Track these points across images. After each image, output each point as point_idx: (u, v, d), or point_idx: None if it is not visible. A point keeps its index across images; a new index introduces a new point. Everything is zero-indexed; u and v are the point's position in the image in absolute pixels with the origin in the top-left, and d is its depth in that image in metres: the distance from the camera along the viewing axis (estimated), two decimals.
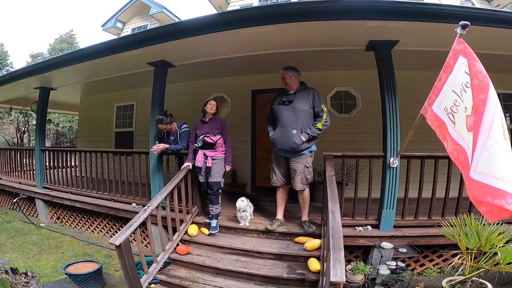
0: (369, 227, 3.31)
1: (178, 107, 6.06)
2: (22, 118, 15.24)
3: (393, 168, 3.23)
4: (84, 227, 5.30)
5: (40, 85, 5.90)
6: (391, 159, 3.21)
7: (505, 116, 4.17)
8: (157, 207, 3.14)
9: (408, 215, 3.39)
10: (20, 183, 6.48)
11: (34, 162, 6.29)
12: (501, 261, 2.47)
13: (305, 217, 3.55)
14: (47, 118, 21.70)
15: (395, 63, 3.38)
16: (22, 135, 15.41)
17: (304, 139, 3.25)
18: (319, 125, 3.30)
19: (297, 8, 2.87)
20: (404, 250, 2.96)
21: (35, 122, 8.02)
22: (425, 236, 3.18)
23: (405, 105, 3.53)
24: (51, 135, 24.30)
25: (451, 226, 2.72)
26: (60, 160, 5.89)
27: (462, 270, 2.68)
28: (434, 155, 3.24)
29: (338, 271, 1.82)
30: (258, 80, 5.75)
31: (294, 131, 3.25)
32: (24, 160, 6.88)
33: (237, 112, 5.94)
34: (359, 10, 2.86)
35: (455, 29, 2.12)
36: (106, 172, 4.96)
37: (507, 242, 2.51)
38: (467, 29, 2.08)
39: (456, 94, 2.12)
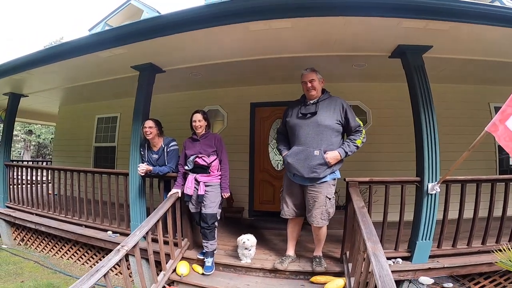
0: (399, 259, 2.82)
1: (166, 120, 5.42)
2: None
3: (431, 194, 2.73)
4: (52, 251, 4.45)
5: (10, 90, 5.16)
6: (430, 185, 2.70)
7: None
8: (135, 246, 2.40)
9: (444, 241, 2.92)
10: None
11: None
12: None
13: (318, 252, 2.93)
14: (28, 129, 20.62)
15: None
16: None
17: (331, 161, 2.55)
18: (358, 142, 2.63)
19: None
20: (451, 284, 2.61)
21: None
22: (466, 265, 2.75)
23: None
24: (32, 147, 23.17)
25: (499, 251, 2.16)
26: (29, 176, 5.11)
27: None
28: (477, 178, 2.83)
29: None
30: (258, 91, 5.15)
31: (316, 152, 2.55)
32: None
33: (234, 128, 5.27)
34: (399, 6, 2.34)
35: None
36: (80, 191, 4.22)
37: None
38: None
39: None
